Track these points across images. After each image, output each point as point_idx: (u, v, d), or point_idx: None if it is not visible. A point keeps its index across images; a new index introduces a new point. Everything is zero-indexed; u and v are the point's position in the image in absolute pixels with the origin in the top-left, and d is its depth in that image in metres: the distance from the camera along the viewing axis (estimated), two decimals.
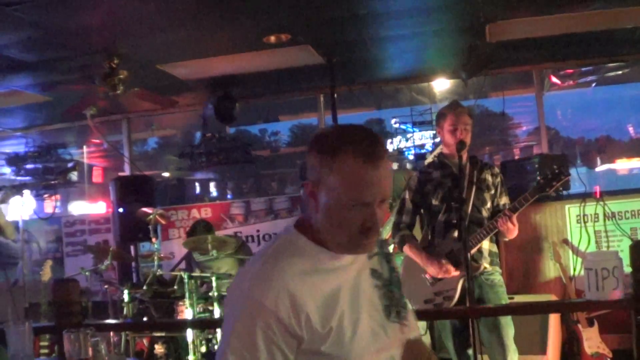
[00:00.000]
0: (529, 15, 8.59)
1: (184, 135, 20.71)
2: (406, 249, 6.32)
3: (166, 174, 24.10)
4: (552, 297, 8.78)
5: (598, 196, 9.30)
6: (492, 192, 6.27)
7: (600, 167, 38.90)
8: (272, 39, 8.64)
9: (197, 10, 7.55)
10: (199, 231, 9.72)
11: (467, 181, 6.10)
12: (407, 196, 6.47)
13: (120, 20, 7.74)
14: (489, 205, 6.24)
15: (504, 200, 6.33)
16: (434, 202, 6.27)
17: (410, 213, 6.43)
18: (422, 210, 6.51)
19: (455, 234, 5.98)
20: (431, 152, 7.60)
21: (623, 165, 37.21)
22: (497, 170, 6.45)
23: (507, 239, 6.16)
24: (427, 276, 6.11)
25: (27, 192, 11.54)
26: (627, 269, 4.34)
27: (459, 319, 6.04)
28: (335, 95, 9.78)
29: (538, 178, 5.90)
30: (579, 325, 8.45)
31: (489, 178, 6.29)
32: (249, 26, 8.23)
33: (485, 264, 6.10)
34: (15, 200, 11.44)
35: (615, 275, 4.41)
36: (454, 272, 5.94)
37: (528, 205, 5.94)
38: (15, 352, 4.00)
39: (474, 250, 5.98)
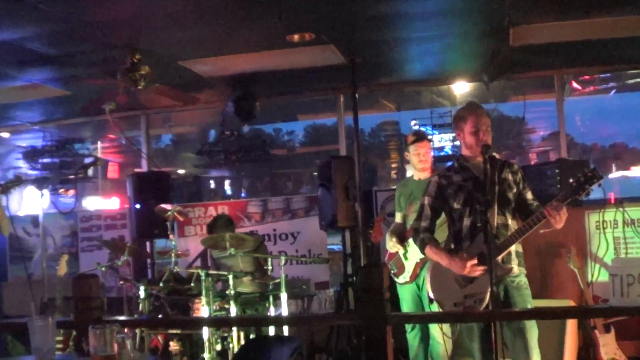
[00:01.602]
0: (554, 20, 8.57)
1: (199, 133, 20.76)
2: (428, 251, 6.27)
3: (182, 171, 24.15)
4: (570, 303, 8.73)
5: (612, 202, 9.28)
6: (515, 190, 6.19)
7: (614, 174, 38.85)
8: (296, 37, 8.62)
9: (222, 7, 7.55)
10: (220, 225, 9.70)
11: (490, 182, 6.04)
12: (425, 201, 6.37)
13: (143, 15, 7.73)
14: (513, 205, 6.17)
15: (530, 194, 6.23)
16: (456, 206, 6.18)
17: (429, 218, 6.35)
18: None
19: (483, 237, 5.91)
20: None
21: (638, 172, 37.17)
22: (516, 167, 6.33)
23: (547, 230, 6.06)
24: (457, 279, 6.05)
25: (37, 186, 11.53)
26: None
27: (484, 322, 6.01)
28: (357, 95, 9.76)
29: (570, 181, 5.79)
30: (596, 331, 8.42)
31: (510, 177, 6.21)
32: (273, 24, 8.21)
33: (514, 266, 6.05)
34: (30, 193, 11.45)
35: None
36: (480, 269, 5.87)
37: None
38: (37, 346, 3.99)
39: (505, 253, 5.93)
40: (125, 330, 8.72)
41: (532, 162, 29.20)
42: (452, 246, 6.25)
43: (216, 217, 10.28)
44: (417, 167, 8.27)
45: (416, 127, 17.76)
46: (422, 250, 6.33)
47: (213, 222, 10.03)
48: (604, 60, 10.97)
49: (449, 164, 6.73)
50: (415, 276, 7.94)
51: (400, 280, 8.08)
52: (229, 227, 9.70)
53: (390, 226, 8.64)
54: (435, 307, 6.27)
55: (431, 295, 6.25)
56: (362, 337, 4.60)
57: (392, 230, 8.36)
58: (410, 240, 7.87)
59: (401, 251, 8.09)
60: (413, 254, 7.95)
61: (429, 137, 8.56)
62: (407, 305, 8.03)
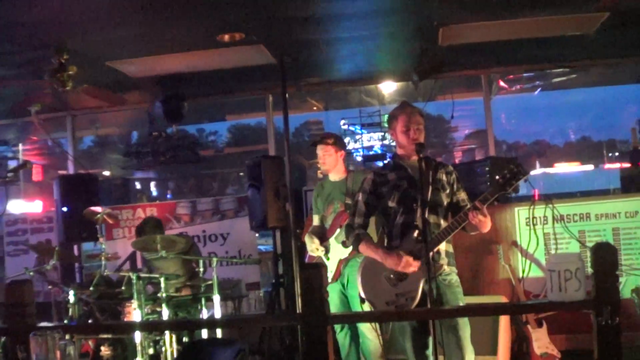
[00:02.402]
0: (481, 20, 8.67)
1: (123, 134, 20.59)
2: (362, 247, 6.28)
3: (107, 173, 23.89)
4: (502, 298, 8.82)
5: (536, 198, 9.39)
6: (448, 191, 6.24)
7: (537, 171, 39.39)
8: (226, 37, 8.59)
9: (150, 7, 7.48)
10: (149, 228, 9.62)
11: (423, 182, 6.06)
12: (360, 198, 6.41)
13: (71, 16, 7.62)
14: (445, 205, 6.22)
15: (463, 195, 6.30)
16: (390, 204, 6.21)
17: (363, 215, 6.38)
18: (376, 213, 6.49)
19: (415, 234, 5.94)
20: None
21: (561, 169, 37.77)
22: (450, 168, 6.39)
23: (474, 232, 6.12)
24: (388, 278, 6.07)
25: None
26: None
27: (417, 320, 6.04)
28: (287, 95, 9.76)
29: (497, 177, 5.85)
30: (529, 326, 8.53)
31: (444, 177, 6.26)
32: (202, 24, 8.19)
33: (444, 264, 6.09)
34: None
35: (578, 277, 4.42)
36: (415, 265, 5.89)
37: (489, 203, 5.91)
38: None
39: (436, 249, 5.97)
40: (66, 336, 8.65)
41: (457, 161, 29.46)
42: (385, 243, 6.28)
43: (145, 220, 10.19)
44: (321, 168, 8.36)
45: (345, 127, 17.84)
46: (356, 246, 6.34)
47: (142, 225, 9.94)
48: (530, 59, 11.13)
49: (384, 162, 6.78)
50: (338, 275, 7.96)
51: None
52: (158, 230, 9.64)
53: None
54: (366, 307, 6.29)
55: (362, 295, 6.26)
56: (302, 337, 4.56)
57: (311, 232, 8.38)
58: (332, 240, 8.04)
59: (323, 252, 8.11)
60: (335, 253, 8.02)
61: (338, 138, 8.55)
62: (334, 304, 8.02)
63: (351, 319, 7.35)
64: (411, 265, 5.91)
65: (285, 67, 9.05)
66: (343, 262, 7.95)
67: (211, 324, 7.92)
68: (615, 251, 4.32)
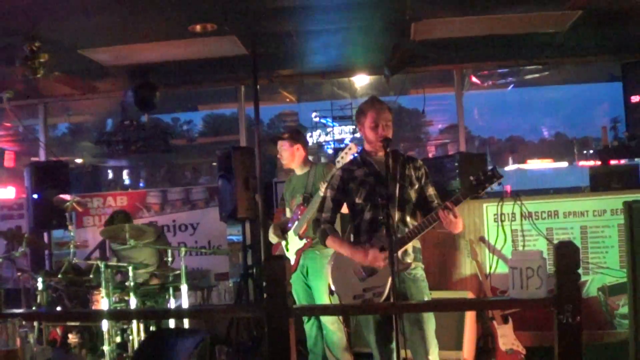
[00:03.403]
0: (454, 15, 8.72)
1: (97, 122, 20.53)
2: (329, 242, 6.28)
3: (79, 161, 23.82)
4: (469, 294, 8.85)
5: (509, 194, 9.42)
6: (416, 186, 6.22)
7: (511, 167, 39.57)
8: (198, 28, 8.60)
9: None
10: (117, 222, 9.60)
11: (391, 178, 6.06)
12: (328, 194, 6.39)
13: (42, 2, 7.60)
14: (413, 200, 6.21)
15: (431, 191, 6.25)
16: (357, 200, 6.19)
17: (330, 210, 6.36)
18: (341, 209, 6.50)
19: (384, 231, 5.94)
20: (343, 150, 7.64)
21: (534, 165, 37.94)
22: (419, 162, 6.34)
23: (446, 231, 6.13)
24: (357, 272, 6.08)
25: None
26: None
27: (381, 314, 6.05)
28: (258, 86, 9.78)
29: (470, 179, 5.85)
30: (494, 322, 8.56)
31: (412, 172, 6.23)
32: (175, 14, 8.18)
33: (409, 260, 6.11)
34: None
35: (539, 275, 4.46)
36: (381, 259, 5.90)
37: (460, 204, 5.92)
38: None
39: (403, 249, 5.98)
40: (24, 322, 8.65)
41: (430, 155, 29.56)
42: (352, 239, 6.29)
43: (113, 214, 10.17)
44: (282, 163, 8.42)
45: (317, 119, 17.87)
46: (323, 241, 6.33)
47: (111, 219, 9.93)
48: (502, 55, 11.20)
49: (352, 157, 6.77)
50: (297, 265, 8.03)
51: None
52: (127, 222, 9.63)
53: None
54: (335, 299, 6.29)
55: (332, 288, 6.27)
56: (265, 329, 4.59)
57: (275, 223, 8.45)
58: (290, 232, 8.09)
59: (283, 242, 8.19)
60: (293, 244, 8.09)
61: (296, 132, 8.62)
62: (297, 293, 8.08)
63: (314, 312, 7.37)
64: (378, 259, 5.91)
65: (257, 59, 9.09)
66: (300, 253, 8.03)
67: (177, 314, 7.94)
68: (577, 250, 4.34)
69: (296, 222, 8.05)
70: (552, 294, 4.36)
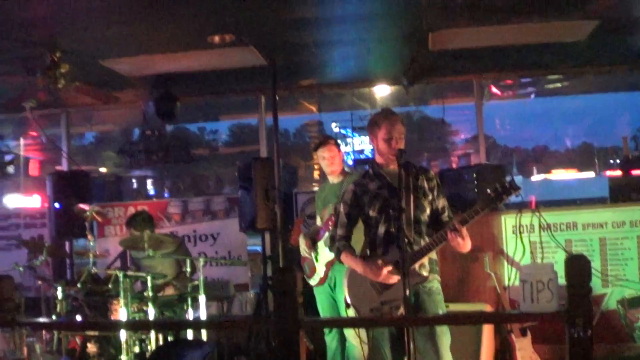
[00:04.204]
0: (471, 26, 8.71)
1: (123, 132, 20.64)
2: (343, 258, 6.26)
3: (103, 170, 23.94)
4: (487, 307, 8.82)
5: (533, 206, 9.36)
6: (430, 197, 6.19)
7: (537, 177, 39.34)
8: (216, 38, 8.63)
9: (142, 6, 7.53)
10: (139, 221, 9.65)
11: (405, 190, 6.05)
12: (341, 209, 6.37)
13: (64, 14, 7.68)
14: (428, 211, 6.15)
15: (442, 202, 6.23)
16: (372, 213, 6.17)
17: (345, 226, 6.33)
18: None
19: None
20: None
21: (559, 176, 37.69)
22: (432, 173, 6.33)
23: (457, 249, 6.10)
24: (374, 284, 6.05)
25: None
26: (562, 281, 4.37)
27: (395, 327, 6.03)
28: (277, 97, 9.80)
29: (488, 191, 5.81)
30: (512, 335, 8.52)
31: (425, 184, 6.21)
32: (193, 25, 8.24)
33: (425, 273, 6.07)
34: None
35: (550, 288, 4.45)
36: (395, 277, 5.87)
37: (477, 218, 5.87)
38: None
39: (420, 262, 5.97)
40: (43, 331, 8.71)
41: (454, 165, 29.51)
42: (368, 253, 6.27)
43: (135, 213, 10.22)
44: (326, 170, 8.30)
45: (337, 130, 17.86)
46: (338, 257, 6.34)
47: (132, 217, 9.96)
48: (521, 65, 11.16)
49: (364, 170, 6.75)
50: (326, 278, 7.98)
51: (312, 282, 8.10)
52: (149, 224, 9.66)
53: (310, 229, 8.68)
54: (352, 312, 6.26)
55: (348, 301, 6.25)
56: (274, 340, 4.61)
57: (307, 233, 8.42)
58: (320, 243, 8.01)
59: (313, 254, 8.15)
60: (323, 256, 8.01)
61: (336, 140, 8.60)
62: (322, 306, 8.06)
63: (324, 324, 7.38)
64: (391, 277, 5.91)
65: (276, 69, 9.12)
66: (330, 265, 7.95)
67: (193, 324, 7.96)
68: (588, 263, 4.32)
69: (326, 233, 8.00)
70: (564, 307, 4.35)
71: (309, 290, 8.34)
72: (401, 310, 5.85)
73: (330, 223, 7.89)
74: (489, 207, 5.77)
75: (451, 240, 5.77)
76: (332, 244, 6.39)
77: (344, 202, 6.35)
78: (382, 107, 12.99)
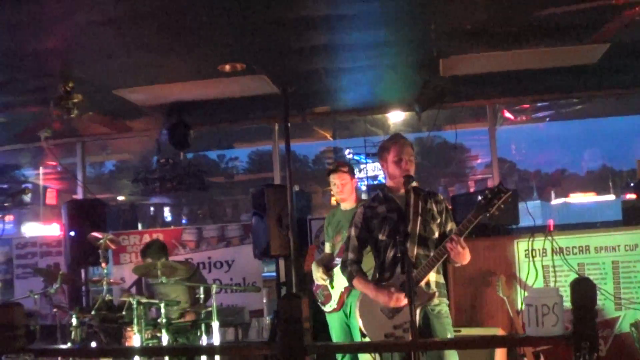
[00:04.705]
0: (482, 51, 8.73)
1: (141, 160, 20.74)
2: (355, 283, 6.30)
3: (121, 198, 24.04)
4: (499, 331, 8.80)
5: (552, 229, 9.35)
6: (438, 221, 6.22)
7: (556, 201, 39.24)
8: (227, 67, 8.71)
9: (154, 37, 7.59)
10: (153, 251, 9.68)
11: (412, 213, 6.08)
12: (352, 233, 6.43)
13: (76, 45, 7.76)
14: (436, 235, 6.17)
15: (450, 226, 6.26)
16: (381, 237, 6.22)
17: (356, 249, 6.38)
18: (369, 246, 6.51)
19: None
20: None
21: (577, 199, 37.56)
22: (440, 197, 6.39)
23: (457, 264, 6.11)
24: (384, 310, 6.08)
25: None
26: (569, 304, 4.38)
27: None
28: (289, 124, 9.85)
29: (479, 198, 5.84)
30: (525, 359, 8.50)
31: (434, 207, 6.24)
32: (204, 54, 8.30)
33: (432, 290, 6.07)
34: None
35: (555, 312, 4.46)
36: (405, 301, 5.88)
37: (473, 227, 5.83)
38: None
39: (422, 283, 5.98)
40: (59, 358, 8.74)
41: (472, 190, 29.48)
42: (377, 276, 6.30)
43: (149, 243, 10.25)
44: (336, 197, 8.37)
45: (350, 156, 17.92)
46: (350, 282, 6.37)
47: (146, 247, 10.00)
48: (534, 90, 11.18)
49: (375, 193, 6.78)
50: (342, 304, 7.97)
51: (327, 308, 8.10)
52: (162, 253, 9.69)
53: (320, 256, 8.69)
54: (367, 340, 6.30)
55: (363, 330, 6.28)
56: None
57: (318, 260, 8.41)
58: (336, 270, 7.97)
59: (327, 281, 8.16)
60: (339, 282, 7.99)
61: (351, 166, 8.62)
62: (335, 333, 8.06)
63: (331, 349, 7.39)
64: (402, 300, 5.92)
65: (288, 97, 9.17)
66: (346, 293, 7.95)
67: (200, 350, 7.98)
68: (593, 286, 4.34)
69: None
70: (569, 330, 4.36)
71: (322, 317, 8.36)
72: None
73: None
74: (482, 214, 5.81)
75: (451, 250, 5.80)
76: (344, 268, 6.42)
77: (355, 225, 6.42)
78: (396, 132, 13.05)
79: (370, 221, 6.30)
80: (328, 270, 8.17)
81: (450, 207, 6.49)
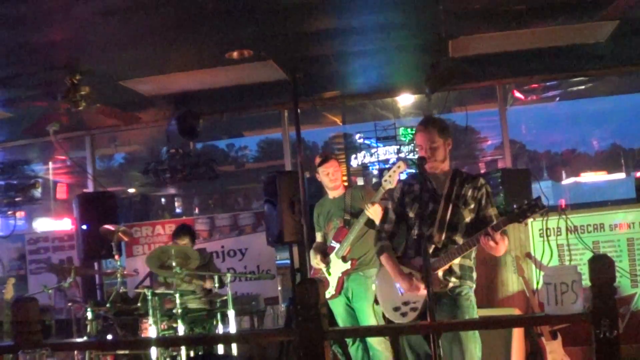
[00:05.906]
0: (491, 31, 8.68)
1: (150, 151, 20.71)
2: (382, 258, 6.29)
3: (132, 190, 24.01)
4: (516, 311, 8.78)
5: (563, 208, 9.32)
6: (472, 206, 6.11)
7: (567, 181, 39.14)
8: (235, 54, 8.65)
9: (159, 26, 7.56)
10: (184, 232, 9.96)
11: (445, 197, 6.06)
12: (390, 206, 6.45)
13: (82, 37, 7.73)
14: (467, 220, 6.10)
15: (490, 212, 6.13)
16: (410, 214, 6.24)
17: (392, 222, 6.39)
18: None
19: (430, 249, 5.92)
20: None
21: (588, 178, 37.46)
22: (481, 182, 6.25)
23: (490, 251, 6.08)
24: (398, 285, 6.08)
25: None
26: (587, 282, 4.34)
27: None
28: (299, 110, 9.80)
29: (514, 206, 5.76)
30: (543, 339, 8.47)
31: (469, 192, 6.14)
32: (211, 42, 8.26)
33: (454, 279, 6.04)
34: None
35: (574, 290, 4.41)
36: (422, 291, 5.86)
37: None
38: None
39: (446, 267, 5.96)
40: (75, 352, 8.73)
41: (482, 171, 29.43)
42: (405, 251, 6.30)
43: (180, 225, 10.42)
44: (329, 186, 8.46)
45: (360, 141, 17.92)
46: (379, 256, 6.35)
47: (176, 230, 10.14)
48: (544, 69, 11.10)
49: (406, 174, 6.83)
50: (340, 289, 8.07)
51: (326, 295, 8.10)
52: (191, 236, 10.06)
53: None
54: (378, 309, 6.36)
55: (376, 296, 6.34)
56: (299, 352, 4.59)
57: (314, 248, 8.48)
58: (332, 256, 8.14)
59: (324, 267, 8.19)
60: (335, 268, 8.13)
61: (336, 155, 8.71)
62: (341, 318, 8.11)
63: (348, 334, 7.37)
64: (420, 290, 5.90)
65: (297, 82, 9.12)
66: (343, 277, 8.07)
67: (221, 339, 7.96)
68: (612, 263, 4.30)
69: (338, 245, 8.05)
70: (588, 308, 4.32)
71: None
72: (418, 313, 5.94)
73: (340, 235, 7.99)
74: (512, 222, 5.78)
75: (484, 244, 5.78)
76: (377, 240, 6.44)
77: (392, 199, 6.47)
78: (407, 116, 12.96)
79: (405, 197, 6.33)
80: (325, 256, 8.23)
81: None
